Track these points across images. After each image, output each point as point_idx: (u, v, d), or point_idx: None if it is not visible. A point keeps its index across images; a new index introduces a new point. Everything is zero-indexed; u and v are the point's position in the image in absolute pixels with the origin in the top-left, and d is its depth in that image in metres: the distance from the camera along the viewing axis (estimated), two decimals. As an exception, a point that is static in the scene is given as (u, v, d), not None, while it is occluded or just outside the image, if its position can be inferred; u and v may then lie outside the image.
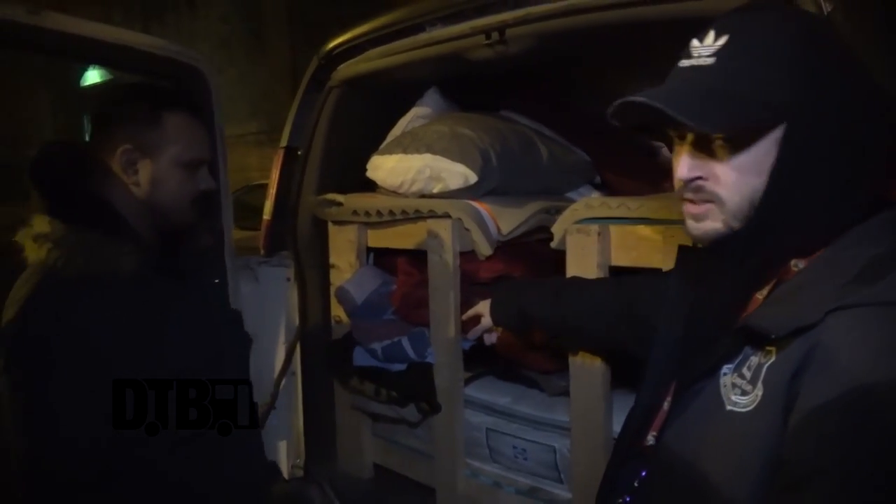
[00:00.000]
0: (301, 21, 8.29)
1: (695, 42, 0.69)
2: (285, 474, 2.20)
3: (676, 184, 0.73)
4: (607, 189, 2.13)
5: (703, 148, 0.69)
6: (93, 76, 11.99)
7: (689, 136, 0.70)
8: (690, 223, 0.74)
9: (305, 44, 8.26)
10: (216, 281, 1.32)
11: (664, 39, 0.84)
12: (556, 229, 1.57)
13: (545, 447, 1.64)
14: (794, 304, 0.63)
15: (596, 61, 1.91)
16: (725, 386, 0.69)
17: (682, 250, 0.95)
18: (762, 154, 0.66)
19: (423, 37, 1.73)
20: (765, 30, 0.66)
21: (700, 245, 0.75)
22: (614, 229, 1.46)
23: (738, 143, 0.66)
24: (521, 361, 1.78)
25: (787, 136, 0.64)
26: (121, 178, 1.14)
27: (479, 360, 1.87)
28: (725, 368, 0.70)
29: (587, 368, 1.51)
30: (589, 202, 1.54)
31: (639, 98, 0.65)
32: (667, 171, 0.79)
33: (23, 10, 1.44)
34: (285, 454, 2.21)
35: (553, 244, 1.58)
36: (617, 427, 1.26)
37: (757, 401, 0.64)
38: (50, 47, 1.61)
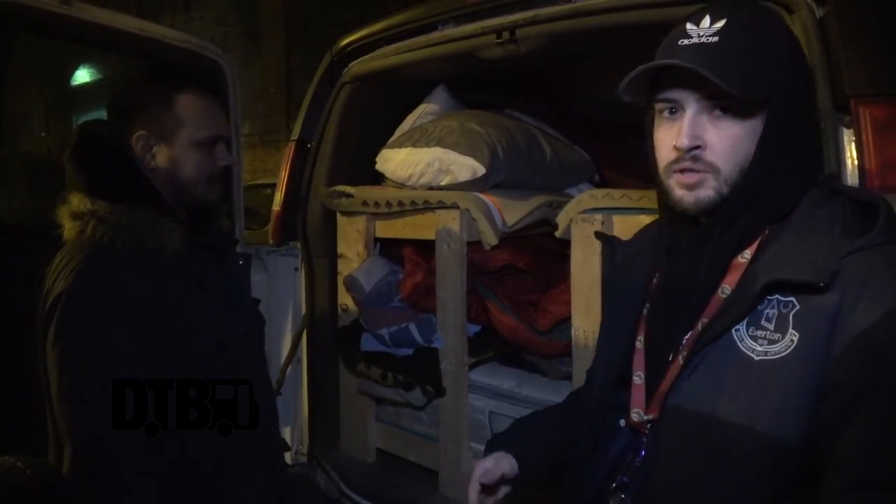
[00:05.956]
0: (298, 24, 8.37)
1: (690, 26, 0.77)
2: (289, 460, 2.25)
3: (669, 156, 0.80)
4: (606, 187, 2.21)
5: (700, 120, 0.77)
6: (82, 75, 11.93)
7: (689, 109, 0.77)
8: (682, 193, 0.80)
9: (301, 47, 8.35)
10: (241, 263, 1.38)
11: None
12: (562, 219, 1.65)
13: (547, 428, 1.71)
14: (811, 256, 0.72)
15: (598, 64, 1.99)
16: (743, 341, 0.75)
17: (640, 232, 1.02)
18: (754, 124, 0.76)
19: (435, 35, 1.82)
20: (753, 16, 0.77)
21: (694, 214, 0.80)
22: (617, 219, 1.54)
23: (735, 114, 0.76)
24: (524, 347, 1.86)
25: (773, 109, 0.75)
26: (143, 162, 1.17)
27: (484, 347, 1.93)
28: (737, 327, 0.76)
29: (589, 353, 1.58)
30: (593, 193, 1.62)
31: (683, 63, 0.72)
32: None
33: (56, 0, 1.52)
34: (290, 440, 2.25)
35: (558, 233, 1.66)
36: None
37: (794, 345, 0.72)
38: (78, 36, 1.68)
